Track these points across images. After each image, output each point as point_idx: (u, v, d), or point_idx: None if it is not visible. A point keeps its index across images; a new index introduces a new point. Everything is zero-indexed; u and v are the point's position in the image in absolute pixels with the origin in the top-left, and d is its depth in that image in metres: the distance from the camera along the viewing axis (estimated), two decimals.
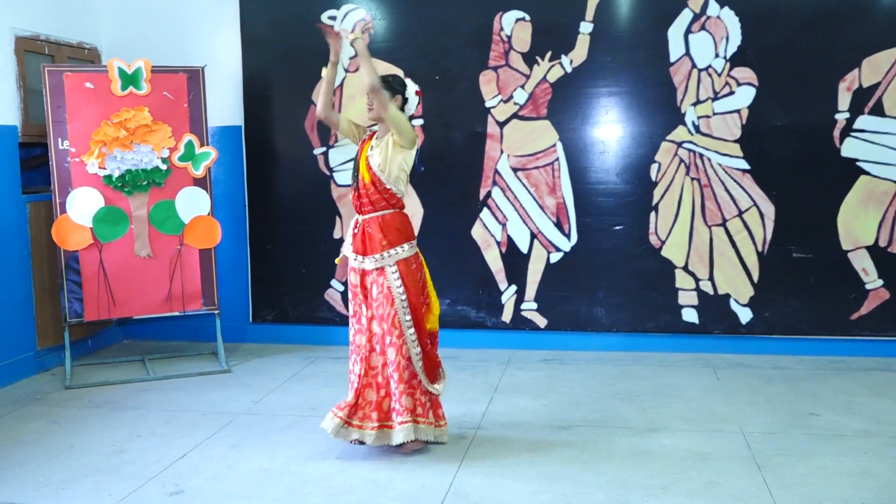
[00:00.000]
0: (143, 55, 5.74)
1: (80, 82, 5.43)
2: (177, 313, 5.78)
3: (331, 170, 6.23)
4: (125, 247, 5.57)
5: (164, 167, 5.60)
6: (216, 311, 5.86)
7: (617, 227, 5.94)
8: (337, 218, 6.24)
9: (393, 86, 4.18)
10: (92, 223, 5.47)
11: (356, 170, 4.20)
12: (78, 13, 6.19)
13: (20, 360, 5.53)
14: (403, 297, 4.07)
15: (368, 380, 4.10)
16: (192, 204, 5.70)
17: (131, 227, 5.58)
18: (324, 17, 6.12)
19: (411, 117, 4.27)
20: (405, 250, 4.14)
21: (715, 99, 5.75)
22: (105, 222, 5.50)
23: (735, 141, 5.75)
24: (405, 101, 4.21)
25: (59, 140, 5.43)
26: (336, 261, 4.40)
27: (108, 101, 5.47)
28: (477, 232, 6.10)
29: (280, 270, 6.39)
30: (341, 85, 6.14)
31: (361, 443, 4.12)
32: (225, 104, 6.29)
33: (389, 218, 4.16)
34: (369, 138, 4.25)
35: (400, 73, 5.98)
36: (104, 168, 5.47)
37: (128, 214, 5.56)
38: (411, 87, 4.24)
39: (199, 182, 5.72)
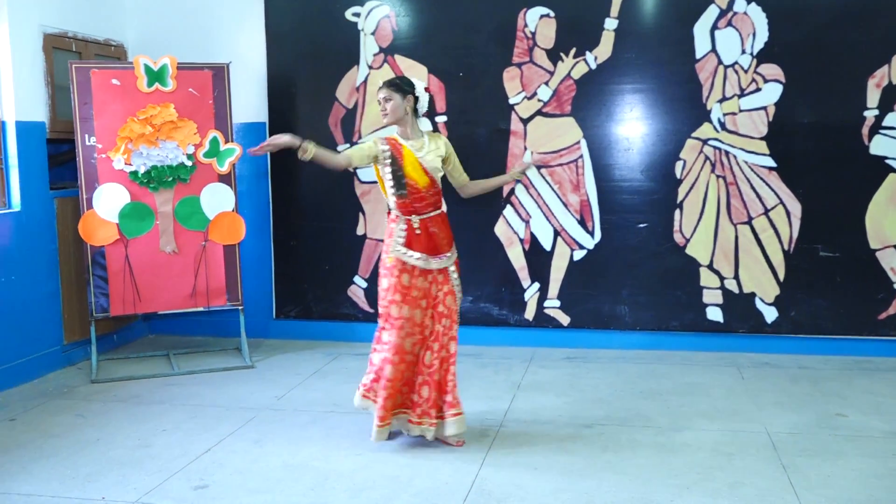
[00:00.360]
0: (168, 52, 5.79)
1: (107, 79, 5.48)
2: (201, 309, 5.81)
3: (354, 167, 6.23)
4: (150, 242, 5.62)
5: (189, 163, 5.63)
6: (240, 307, 5.89)
7: (641, 225, 5.91)
8: (360, 214, 6.25)
9: (402, 87, 4.20)
10: (118, 219, 5.52)
11: (402, 176, 4.15)
12: (105, 10, 6.23)
13: (47, 355, 5.59)
14: (461, 294, 4.26)
15: (425, 378, 4.16)
16: (217, 200, 5.73)
17: (157, 222, 5.62)
18: (348, 14, 6.12)
19: (425, 114, 4.37)
20: (455, 251, 4.29)
21: (741, 96, 5.70)
22: (131, 218, 5.55)
23: (761, 138, 5.70)
24: (416, 99, 4.23)
25: (86, 136, 5.48)
26: (388, 264, 4.19)
27: (134, 97, 5.51)
28: (500, 229, 6.09)
29: (303, 266, 6.41)
30: (364, 82, 6.15)
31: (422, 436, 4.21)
32: (249, 101, 6.32)
33: (444, 217, 4.28)
34: (395, 143, 4.22)
35: (424, 70, 6.00)
36: (130, 164, 5.52)
37: (153, 210, 5.60)
38: (419, 86, 4.27)
39: (224, 178, 5.75)
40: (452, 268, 4.23)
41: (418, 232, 4.15)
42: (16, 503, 3.61)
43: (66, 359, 5.75)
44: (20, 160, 5.38)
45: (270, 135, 6.30)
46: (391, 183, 4.17)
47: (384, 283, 4.17)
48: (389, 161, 4.19)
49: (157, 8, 6.41)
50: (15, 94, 5.34)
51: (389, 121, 4.20)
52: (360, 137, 6.18)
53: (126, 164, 5.51)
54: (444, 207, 4.31)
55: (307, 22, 6.23)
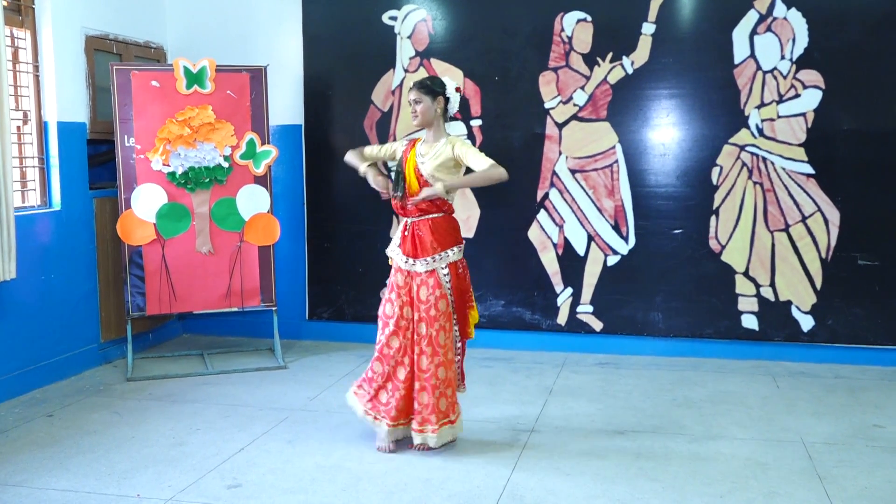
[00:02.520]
0: (207, 54, 5.85)
1: (147, 81, 5.55)
2: (235, 309, 5.86)
3: (388, 169, 6.25)
4: (187, 243, 5.67)
5: (226, 165, 5.68)
6: (274, 308, 5.93)
7: (676, 231, 5.87)
8: (394, 217, 6.27)
9: (433, 88, 4.17)
10: (155, 219, 5.58)
11: (402, 178, 4.20)
12: (145, 13, 6.32)
13: (84, 352, 5.67)
14: (452, 298, 4.17)
15: (422, 383, 4.12)
16: (253, 201, 5.78)
17: (193, 223, 5.67)
18: (384, 18, 6.15)
19: (453, 117, 4.31)
20: (454, 253, 4.20)
21: (780, 102, 5.64)
22: (168, 218, 5.61)
23: (800, 145, 5.64)
24: (447, 100, 4.22)
25: (126, 137, 5.55)
26: (389, 262, 4.35)
27: (173, 99, 5.57)
28: (533, 233, 6.08)
29: (337, 268, 6.44)
30: (400, 85, 6.17)
31: (423, 447, 4.14)
32: (286, 103, 6.37)
33: (440, 221, 4.19)
34: (412, 145, 4.27)
35: (460, 73, 6.01)
36: (168, 165, 5.58)
37: (190, 211, 5.66)
38: (451, 85, 4.24)
39: (260, 180, 5.80)
40: (445, 272, 4.15)
41: (406, 234, 4.20)
42: (52, 498, 3.66)
43: (102, 356, 5.83)
44: (61, 160, 5.47)
45: (306, 138, 6.38)
46: (393, 180, 4.27)
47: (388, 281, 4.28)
48: (398, 161, 4.30)
49: (197, 11, 6.49)
50: (57, 95, 5.43)
51: (419, 123, 4.20)
52: (395, 140, 6.20)
53: (164, 164, 5.57)
54: (441, 215, 4.18)
55: (344, 25, 6.26)
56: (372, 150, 4.48)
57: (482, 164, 4.06)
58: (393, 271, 4.25)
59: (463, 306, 4.23)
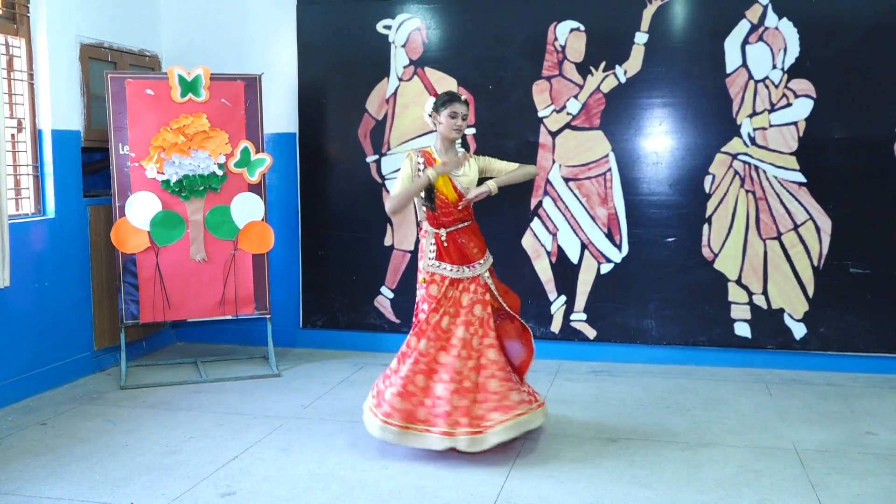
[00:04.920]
0: (202, 63, 5.87)
1: (142, 89, 5.56)
2: (229, 317, 5.86)
3: (383, 177, 6.28)
4: (181, 250, 5.68)
5: (220, 173, 5.69)
6: (268, 316, 5.93)
7: (669, 239, 5.89)
8: (388, 225, 6.28)
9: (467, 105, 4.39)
10: (149, 227, 5.59)
11: (432, 189, 4.28)
12: (140, 22, 6.33)
13: (78, 360, 5.66)
14: (499, 299, 4.36)
15: (457, 386, 4.15)
16: (247, 209, 5.79)
17: (187, 231, 5.68)
18: (378, 27, 6.17)
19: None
20: (489, 257, 4.42)
21: (772, 111, 5.68)
22: (162, 226, 5.61)
23: (792, 153, 5.67)
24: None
25: (120, 145, 5.56)
26: (421, 280, 4.34)
27: (167, 107, 5.58)
28: (527, 241, 6.10)
29: (331, 276, 6.45)
30: (394, 94, 6.19)
31: (453, 449, 4.15)
32: (280, 111, 6.39)
33: (474, 227, 4.40)
34: (429, 156, 4.35)
35: (453, 82, 6.04)
36: (162, 173, 5.58)
37: (184, 219, 5.66)
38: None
39: (254, 188, 5.81)
40: (486, 275, 4.35)
41: (446, 244, 4.27)
42: None
43: (95, 364, 5.82)
44: (55, 168, 5.47)
45: (300, 146, 6.39)
46: (422, 196, 4.28)
47: (419, 294, 4.32)
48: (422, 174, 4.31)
49: (192, 19, 6.50)
50: (52, 103, 5.43)
51: (457, 137, 4.36)
52: (388, 149, 6.22)
53: (158, 172, 5.58)
54: (471, 222, 4.42)
55: (338, 34, 6.28)
56: (407, 188, 4.33)
57: (512, 164, 4.50)
58: (426, 283, 4.29)
59: (508, 299, 4.42)
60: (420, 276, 4.34)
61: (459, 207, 4.31)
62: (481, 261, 4.35)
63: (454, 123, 4.30)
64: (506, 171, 4.48)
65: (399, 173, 4.37)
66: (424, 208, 4.32)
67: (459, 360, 4.16)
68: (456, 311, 4.24)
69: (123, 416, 4.88)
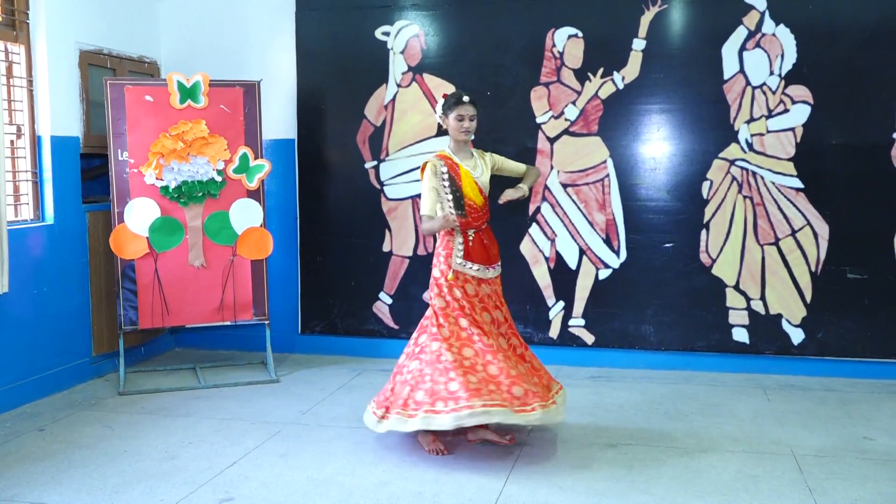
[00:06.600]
0: (201, 69, 5.89)
1: (141, 95, 5.57)
2: (228, 323, 5.87)
3: (381, 183, 6.29)
4: (180, 256, 5.68)
5: (219, 179, 5.70)
6: (266, 322, 5.94)
7: (667, 245, 5.90)
8: (387, 231, 6.29)
9: (477, 105, 4.47)
10: (148, 233, 5.59)
11: (461, 197, 4.34)
12: (139, 28, 6.35)
13: (76, 366, 5.66)
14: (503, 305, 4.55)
15: (519, 370, 4.31)
16: (246, 215, 5.80)
17: (186, 237, 5.69)
18: (377, 33, 6.19)
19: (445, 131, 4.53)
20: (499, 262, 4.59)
21: (769, 117, 5.69)
22: (161, 232, 5.62)
23: (789, 159, 5.69)
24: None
25: (119, 151, 5.57)
26: (449, 278, 4.36)
27: (166, 113, 5.59)
28: (525, 247, 6.11)
29: (329, 282, 6.45)
30: (393, 100, 6.21)
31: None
32: (279, 117, 6.40)
33: (490, 229, 4.53)
34: (451, 162, 4.39)
35: (452, 88, 6.05)
36: (161, 179, 5.59)
37: (183, 225, 5.67)
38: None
39: (253, 194, 5.81)
40: (499, 275, 4.56)
41: (472, 244, 4.39)
42: None
43: (94, 370, 5.82)
44: (54, 174, 5.47)
45: (299, 152, 6.40)
46: (451, 204, 4.36)
47: (439, 302, 4.34)
48: (448, 182, 4.36)
49: (191, 26, 6.52)
50: (51, 109, 5.44)
51: (468, 139, 4.41)
52: (387, 155, 6.23)
53: (157, 178, 5.59)
54: (489, 222, 4.55)
55: (337, 40, 6.30)
56: (435, 205, 4.38)
57: (521, 165, 4.67)
58: (449, 286, 4.35)
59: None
60: (441, 278, 4.34)
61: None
62: (498, 263, 4.52)
63: (461, 126, 4.37)
64: (516, 170, 4.64)
65: (422, 186, 4.41)
66: (456, 215, 4.37)
67: (493, 339, 4.30)
68: (483, 306, 4.40)
69: (122, 422, 4.88)
